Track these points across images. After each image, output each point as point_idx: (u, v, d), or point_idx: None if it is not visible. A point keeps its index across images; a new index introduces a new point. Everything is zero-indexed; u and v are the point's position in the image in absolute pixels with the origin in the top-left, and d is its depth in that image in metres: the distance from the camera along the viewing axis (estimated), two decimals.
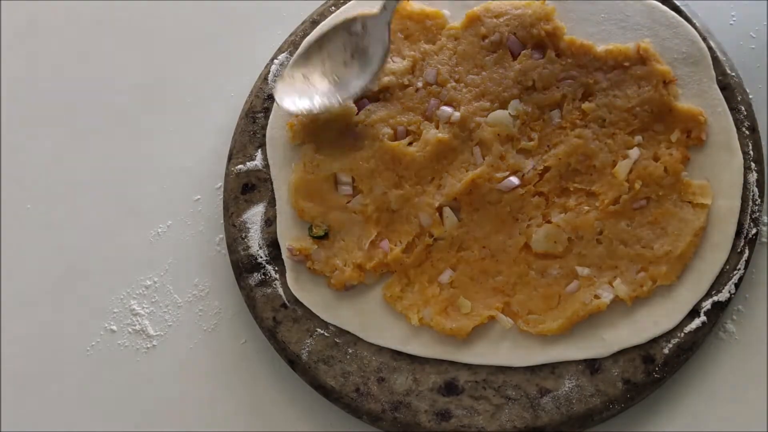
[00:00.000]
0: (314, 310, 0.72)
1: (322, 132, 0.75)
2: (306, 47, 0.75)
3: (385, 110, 0.75)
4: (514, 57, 0.75)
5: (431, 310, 0.70)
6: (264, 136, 0.77)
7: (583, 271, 0.69)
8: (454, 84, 0.75)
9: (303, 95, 0.74)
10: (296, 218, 0.74)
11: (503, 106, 0.74)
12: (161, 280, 0.78)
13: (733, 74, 0.73)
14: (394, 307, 0.71)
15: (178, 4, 0.87)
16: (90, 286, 0.78)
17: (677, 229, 0.69)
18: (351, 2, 0.80)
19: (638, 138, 0.71)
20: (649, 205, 0.70)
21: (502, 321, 0.69)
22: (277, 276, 0.73)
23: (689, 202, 0.69)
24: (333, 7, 0.80)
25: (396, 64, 0.76)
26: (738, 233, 0.69)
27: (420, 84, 0.75)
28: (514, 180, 0.72)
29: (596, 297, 0.68)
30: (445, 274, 0.71)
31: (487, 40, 0.75)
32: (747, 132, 0.72)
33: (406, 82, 0.75)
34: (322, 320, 0.72)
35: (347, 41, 0.74)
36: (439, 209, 0.72)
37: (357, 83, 0.73)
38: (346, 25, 0.74)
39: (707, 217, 0.69)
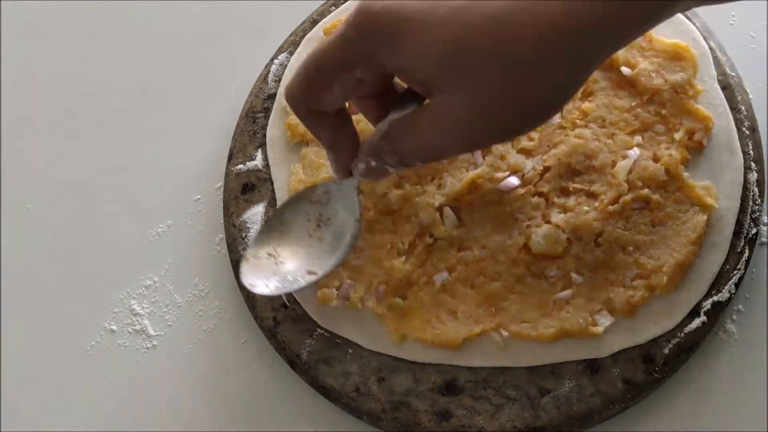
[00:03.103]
0: (310, 313, 0.71)
1: None
2: (266, 222, 0.69)
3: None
4: None
5: (410, 327, 0.69)
6: (264, 136, 0.77)
7: (577, 278, 0.69)
8: None
9: (273, 275, 0.67)
10: None
11: None
12: (161, 280, 0.77)
13: (733, 74, 0.73)
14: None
15: (178, 4, 0.87)
16: (90, 286, 0.78)
17: (678, 235, 0.68)
18: (352, 2, 0.80)
19: (638, 138, 0.71)
20: (649, 206, 0.70)
21: (495, 338, 0.68)
22: None
23: (692, 204, 0.69)
24: (333, 7, 0.80)
25: None
26: (738, 233, 0.69)
27: None
28: (514, 180, 0.72)
29: (593, 324, 0.67)
30: (441, 275, 0.70)
31: None
32: (747, 132, 0.71)
33: None
34: None
35: (309, 211, 0.67)
36: (440, 209, 0.72)
37: (328, 261, 0.66)
38: (307, 193, 0.68)
39: (705, 225, 0.69)
